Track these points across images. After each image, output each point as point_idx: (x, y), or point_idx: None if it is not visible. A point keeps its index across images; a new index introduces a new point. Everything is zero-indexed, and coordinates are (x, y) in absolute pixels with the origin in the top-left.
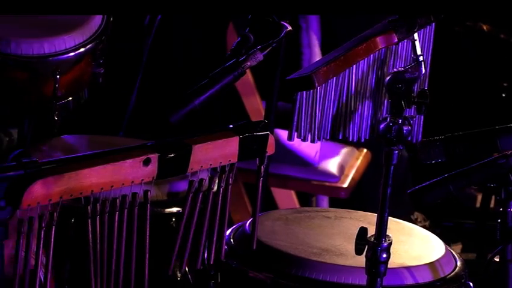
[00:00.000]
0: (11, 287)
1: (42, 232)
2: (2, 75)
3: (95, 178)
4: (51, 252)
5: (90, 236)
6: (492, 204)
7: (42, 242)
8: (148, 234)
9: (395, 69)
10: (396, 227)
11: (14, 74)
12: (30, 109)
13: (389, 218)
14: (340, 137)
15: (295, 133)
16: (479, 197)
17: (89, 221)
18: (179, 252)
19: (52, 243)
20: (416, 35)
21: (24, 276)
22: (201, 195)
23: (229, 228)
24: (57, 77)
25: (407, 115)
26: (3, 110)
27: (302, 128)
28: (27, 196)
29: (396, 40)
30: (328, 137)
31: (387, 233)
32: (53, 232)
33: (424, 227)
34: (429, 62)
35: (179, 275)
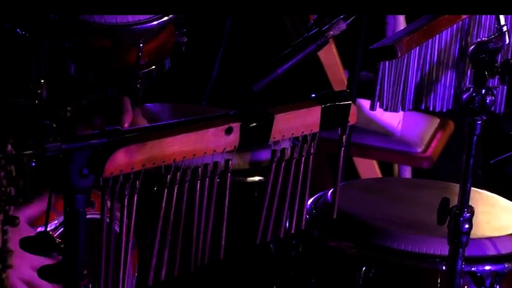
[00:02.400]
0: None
1: (126, 200)
2: (85, 44)
3: (177, 147)
4: (133, 220)
5: (164, 204)
6: None
7: (125, 209)
8: (227, 203)
9: (478, 39)
10: (479, 197)
11: (98, 43)
12: (113, 77)
13: (472, 188)
14: (423, 107)
15: (378, 103)
16: None
17: (166, 190)
18: (265, 221)
19: (134, 211)
20: None
21: (109, 243)
22: (283, 165)
23: (311, 197)
24: (141, 45)
25: (490, 85)
26: (87, 78)
27: (385, 97)
28: (110, 164)
29: None
30: (411, 107)
31: (469, 204)
32: (135, 200)
33: None
34: None
35: (260, 244)
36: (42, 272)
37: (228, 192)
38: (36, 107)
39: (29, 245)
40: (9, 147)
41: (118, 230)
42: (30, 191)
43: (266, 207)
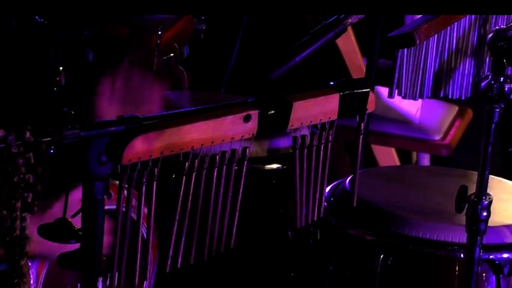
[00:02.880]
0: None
1: (144, 187)
2: (104, 32)
3: (196, 134)
4: (153, 208)
5: (182, 192)
6: None
7: (143, 197)
8: (241, 190)
9: (497, 27)
10: (497, 185)
11: (117, 31)
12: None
13: (490, 176)
14: (441, 95)
15: (396, 90)
16: None
17: (184, 177)
18: (301, 206)
19: (154, 198)
20: None
21: (125, 232)
22: (305, 152)
23: (329, 185)
24: (159, 33)
25: (508, 73)
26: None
27: (403, 85)
28: (129, 151)
29: None
30: (429, 95)
31: (487, 191)
32: (154, 187)
33: None
34: None
35: (279, 232)
36: (62, 260)
37: (242, 180)
38: (54, 94)
39: (48, 231)
40: (28, 134)
41: (135, 217)
42: (48, 178)
43: (285, 195)
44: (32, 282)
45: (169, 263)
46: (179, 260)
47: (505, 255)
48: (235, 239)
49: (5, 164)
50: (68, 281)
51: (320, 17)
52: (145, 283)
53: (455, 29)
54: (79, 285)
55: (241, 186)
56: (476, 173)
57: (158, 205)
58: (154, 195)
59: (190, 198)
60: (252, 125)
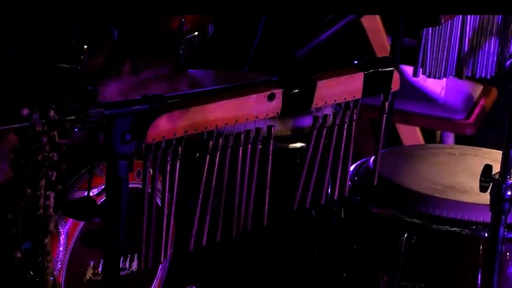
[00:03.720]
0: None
1: (168, 166)
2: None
3: (220, 113)
4: (176, 186)
5: (205, 171)
6: None
7: (167, 175)
8: (269, 169)
9: None
10: None
11: None
12: (157, 44)
13: None
14: (466, 74)
15: (421, 69)
16: None
17: (208, 156)
18: (303, 188)
19: (177, 176)
20: None
21: (151, 211)
22: (325, 131)
23: (353, 164)
24: None
25: None
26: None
27: (428, 64)
28: (153, 130)
29: None
30: (453, 74)
31: None
32: (178, 166)
33: None
34: None
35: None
36: (85, 238)
37: (270, 158)
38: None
39: (72, 209)
40: (52, 113)
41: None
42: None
43: (306, 173)
44: (60, 256)
45: (192, 241)
46: (204, 238)
47: None
48: (268, 216)
49: (30, 143)
50: (94, 254)
51: None
52: (161, 266)
53: None
54: (102, 260)
55: (269, 164)
56: (501, 152)
57: (182, 184)
58: (177, 173)
59: (214, 176)
60: (276, 104)
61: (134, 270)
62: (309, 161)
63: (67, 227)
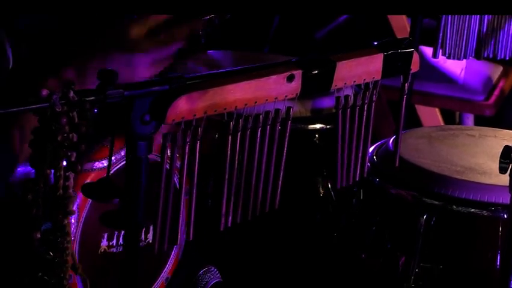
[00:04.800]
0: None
1: (187, 147)
2: None
3: (239, 94)
4: (196, 167)
5: (229, 152)
6: None
7: (186, 156)
8: (285, 150)
9: None
10: None
11: None
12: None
13: None
14: (485, 55)
15: (441, 50)
16: None
17: (230, 137)
18: (323, 169)
19: (197, 158)
20: None
21: (168, 191)
22: (348, 112)
23: (372, 145)
24: None
25: None
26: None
27: (447, 45)
28: (172, 111)
29: None
30: (473, 55)
31: None
32: (197, 147)
33: None
34: None
35: (321, 191)
36: (104, 218)
37: (287, 140)
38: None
39: (91, 190)
40: (72, 93)
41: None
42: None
43: (338, 154)
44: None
45: (213, 222)
46: (230, 219)
47: None
48: (280, 199)
49: (49, 123)
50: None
51: None
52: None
53: None
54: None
55: (286, 146)
56: None
57: (201, 164)
58: (197, 154)
59: (236, 158)
60: (296, 85)
61: (150, 242)
62: (331, 143)
63: (78, 201)
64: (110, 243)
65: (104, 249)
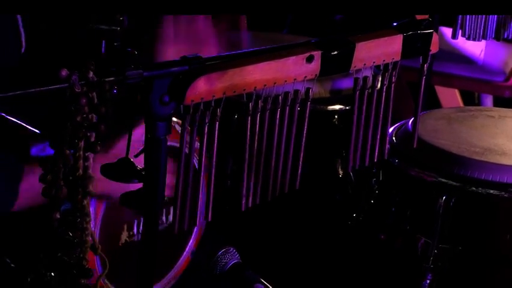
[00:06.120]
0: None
1: (206, 128)
2: None
3: (258, 75)
4: (215, 148)
5: (249, 132)
6: None
7: (205, 137)
8: (305, 131)
9: None
10: None
11: None
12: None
13: None
14: (505, 36)
15: (460, 31)
16: None
17: (249, 118)
18: (354, 149)
19: (216, 138)
20: None
21: (188, 173)
22: (366, 93)
23: (392, 126)
24: None
25: None
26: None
27: (467, 26)
28: (191, 92)
29: None
30: (493, 36)
31: None
32: (216, 128)
33: None
34: None
35: (341, 172)
36: (124, 199)
37: (307, 120)
38: (118, 34)
39: (111, 171)
40: (91, 74)
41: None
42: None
43: (353, 136)
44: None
45: (243, 202)
46: (250, 200)
47: None
48: (302, 179)
49: (69, 104)
50: (125, 218)
51: None
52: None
53: None
54: (135, 221)
55: (305, 127)
56: None
57: (220, 145)
58: (216, 135)
59: (256, 138)
60: (315, 66)
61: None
62: (350, 124)
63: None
64: (131, 233)
65: (125, 239)
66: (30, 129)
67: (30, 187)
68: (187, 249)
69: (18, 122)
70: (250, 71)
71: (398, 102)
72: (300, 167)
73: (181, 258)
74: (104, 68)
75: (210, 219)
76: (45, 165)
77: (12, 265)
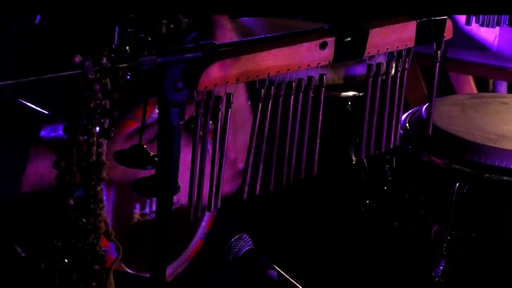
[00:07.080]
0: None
1: (220, 114)
2: None
3: (271, 61)
4: (227, 134)
5: (258, 119)
6: None
7: (219, 123)
8: (320, 118)
9: None
10: None
11: None
12: None
13: None
14: None
15: (474, 17)
16: None
17: (261, 104)
18: (367, 136)
19: (229, 124)
20: None
21: (202, 158)
22: (380, 79)
23: (405, 113)
24: None
25: None
26: None
27: None
28: (205, 78)
29: None
30: (507, 22)
31: None
32: (229, 114)
33: None
34: None
35: (354, 159)
36: (137, 185)
37: (321, 107)
38: (131, 20)
39: (124, 157)
40: (105, 60)
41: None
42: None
43: (366, 122)
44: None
45: (246, 189)
46: (258, 186)
47: None
48: (318, 165)
49: (82, 90)
50: (137, 197)
51: None
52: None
53: None
54: (147, 201)
55: (320, 113)
56: None
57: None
58: (229, 122)
59: (267, 125)
60: (328, 52)
61: (182, 204)
62: (363, 110)
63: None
64: (143, 213)
65: (138, 218)
66: (40, 111)
67: (35, 171)
68: (199, 231)
69: (28, 104)
70: (264, 58)
71: (412, 89)
72: (316, 153)
73: (194, 241)
74: (117, 54)
75: (218, 207)
76: (58, 151)
77: (23, 254)
